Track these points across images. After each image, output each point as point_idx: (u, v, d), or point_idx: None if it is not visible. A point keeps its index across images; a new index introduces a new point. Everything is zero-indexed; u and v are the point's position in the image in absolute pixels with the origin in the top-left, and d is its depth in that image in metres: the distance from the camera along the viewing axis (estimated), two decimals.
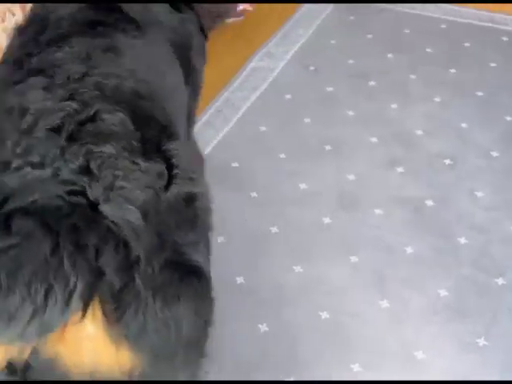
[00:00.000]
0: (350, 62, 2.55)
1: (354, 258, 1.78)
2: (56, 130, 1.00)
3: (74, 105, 1.03)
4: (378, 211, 1.93)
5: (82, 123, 1.02)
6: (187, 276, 1.01)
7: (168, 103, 1.22)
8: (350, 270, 1.75)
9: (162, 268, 0.97)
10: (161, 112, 1.16)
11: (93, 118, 1.03)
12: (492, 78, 2.43)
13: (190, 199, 1.06)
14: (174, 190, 1.02)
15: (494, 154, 2.11)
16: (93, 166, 0.96)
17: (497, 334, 1.59)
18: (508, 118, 2.24)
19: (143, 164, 1.00)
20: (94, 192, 0.93)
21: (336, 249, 1.81)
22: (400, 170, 2.07)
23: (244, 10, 1.73)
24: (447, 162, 2.09)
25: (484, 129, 2.21)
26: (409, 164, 2.08)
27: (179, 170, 1.05)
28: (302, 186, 2.02)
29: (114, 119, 1.04)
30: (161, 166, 1.03)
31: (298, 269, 1.75)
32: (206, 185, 1.18)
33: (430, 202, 1.95)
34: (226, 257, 1.78)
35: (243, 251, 1.80)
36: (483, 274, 1.73)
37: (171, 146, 1.08)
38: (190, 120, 1.56)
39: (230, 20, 1.75)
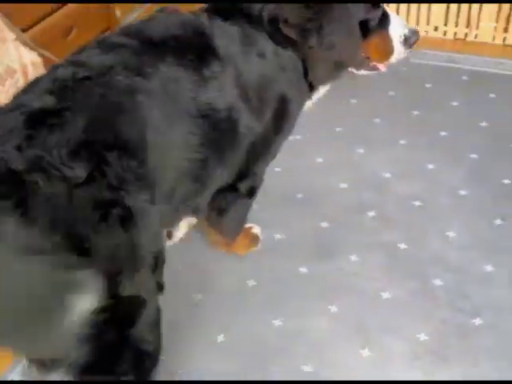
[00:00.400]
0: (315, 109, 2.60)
1: (333, 308, 1.78)
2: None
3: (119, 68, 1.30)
4: (353, 258, 1.94)
5: (85, 79, 1.25)
6: None
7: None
8: (329, 319, 1.75)
9: None
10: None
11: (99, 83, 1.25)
12: (454, 118, 2.49)
13: (103, 206, 1.15)
14: (89, 192, 1.13)
15: (462, 192, 2.15)
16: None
17: (478, 375, 1.59)
18: (472, 156, 2.30)
19: (65, 156, 1.13)
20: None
21: (314, 299, 1.81)
22: (371, 214, 2.10)
23: (375, 66, 1.73)
24: (417, 203, 2.12)
25: (450, 168, 2.26)
26: (380, 208, 2.11)
27: (104, 178, 1.16)
28: (277, 236, 2.03)
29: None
30: (82, 170, 1.13)
31: (277, 322, 1.75)
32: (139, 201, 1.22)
33: (403, 245, 1.98)
34: (204, 315, 1.77)
35: (222, 308, 1.79)
36: (461, 315, 1.75)
37: (110, 158, 1.17)
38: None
39: (362, 73, 1.75)
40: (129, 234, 1.18)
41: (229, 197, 1.72)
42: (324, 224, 2.07)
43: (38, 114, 1.17)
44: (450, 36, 3.01)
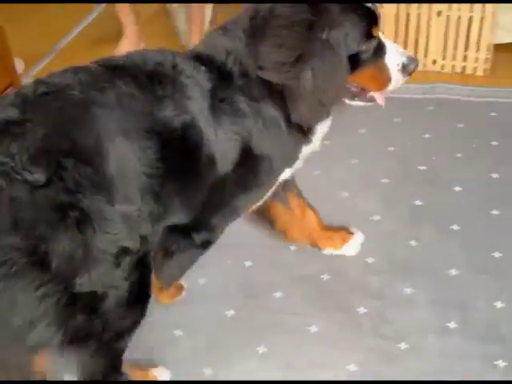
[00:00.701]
0: None
1: (261, 348, 1.79)
2: None
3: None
4: (277, 294, 1.96)
5: (44, 94, 1.37)
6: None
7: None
8: (259, 361, 1.75)
9: None
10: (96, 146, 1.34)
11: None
12: (364, 145, 2.57)
13: (61, 208, 1.24)
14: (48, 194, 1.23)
15: (376, 217, 2.22)
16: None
17: None
18: (383, 181, 2.37)
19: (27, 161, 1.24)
20: None
21: (243, 342, 1.81)
22: (292, 248, 2.12)
23: (372, 98, 1.69)
24: None
25: (364, 194, 2.32)
26: None
27: (62, 182, 1.26)
28: (201, 281, 2.03)
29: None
30: (41, 175, 1.24)
31: (208, 371, 1.73)
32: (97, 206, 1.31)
33: (325, 276, 2.01)
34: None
35: (149, 361, 1.76)
36: (386, 341, 1.78)
37: (67, 164, 1.27)
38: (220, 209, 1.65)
39: (358, 104, 1.70)
40: (84, 236, 1.27)
41: (181, 243, 1.69)
42: (247, 263, 2.08)
43: (1, 124, 1.29)
44: None
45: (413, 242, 2.10)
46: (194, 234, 1.67)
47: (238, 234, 2.16)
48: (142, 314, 1.50)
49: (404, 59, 1.64)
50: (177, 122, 1.47)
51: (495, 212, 2.19)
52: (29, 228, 1.22)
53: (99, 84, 1.42)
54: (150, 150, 1.42)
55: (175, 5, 3.43)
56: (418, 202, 2.26)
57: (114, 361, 1.51)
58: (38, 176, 1.24)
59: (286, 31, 1.52)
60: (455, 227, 2.14)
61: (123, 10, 3.21)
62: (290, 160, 1.73)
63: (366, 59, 1.60)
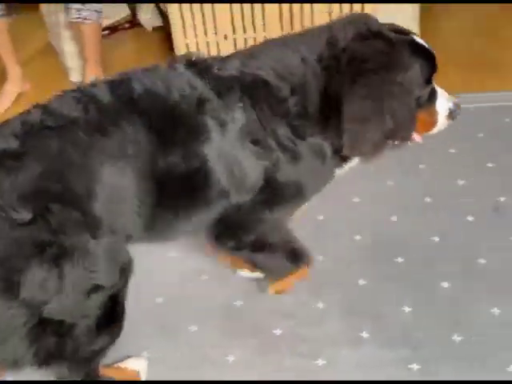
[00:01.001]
0: None
1: None
2: None
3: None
4: (193, 328, 1.94)
5: (48, 128, 1.38)
6: None
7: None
8: None
9: None
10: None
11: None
12: None
13: (40, 244, 1.29)
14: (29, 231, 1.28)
15: None
16: None
17: None
18: None
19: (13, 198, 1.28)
20: None
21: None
22: (205, 277, 2.11)
23: (412, 138, 1.68)
24: None
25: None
26: (212, 270, 2.13)
27: (46, 223, 1.29)
28: None
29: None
30: (27, 214, 1.28)
31: None
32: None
33: (239, 302, 2.01)
34: None
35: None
36: (303, 359, 1.81)
37: (54, 209, 1.30)
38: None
39: (395, 143, 1.68)
40: (60, 270, 1.31)
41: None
42: (159, 300, 2.05)
43: (0, 154, 1.32)
44: None
45: (320, 257, 2.14)
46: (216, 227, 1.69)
47: (150, 268, 2.14)
48: (115, 336, 1.57)
49: (451, 105, 1.68)
50: (182, 168, 1.46)
51: (394, 218, 2.27)
52: (4, 259, 1.27)
53: (105, 125, 1.40)
54: (146, 194, 1.43)
55: (66, 40, 3.33)
56: (320, 217, 2.31)
57: (90, 373, 1.60)
58: (25, 215, 1.28)
59: (373, 76, 1.50)
60: (358, 237, 2.21)
61: (5, 49, 3.08)
62: (327, 181, 1.77)
63: (421, 104, 1.62)
